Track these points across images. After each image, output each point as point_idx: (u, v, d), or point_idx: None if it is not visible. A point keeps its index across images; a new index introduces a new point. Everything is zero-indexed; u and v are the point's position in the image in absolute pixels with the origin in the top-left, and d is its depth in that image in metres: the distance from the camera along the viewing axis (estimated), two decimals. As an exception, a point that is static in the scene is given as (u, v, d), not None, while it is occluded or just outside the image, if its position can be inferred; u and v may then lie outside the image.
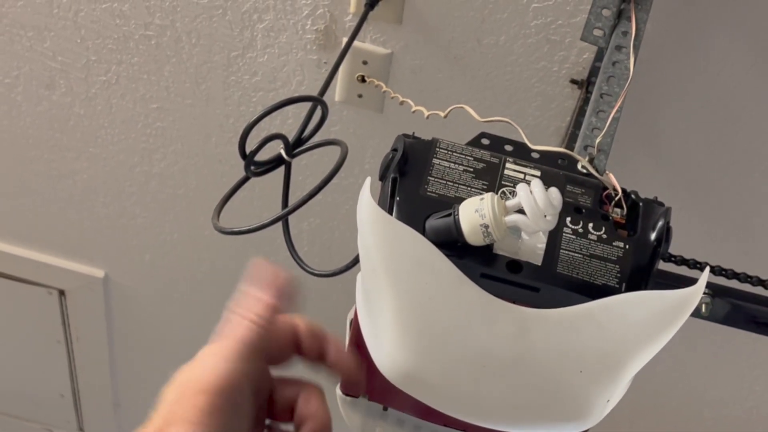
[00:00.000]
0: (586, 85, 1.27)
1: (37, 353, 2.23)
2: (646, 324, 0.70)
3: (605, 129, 0.87)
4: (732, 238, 1.45)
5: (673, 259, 0.88)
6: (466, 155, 0.82)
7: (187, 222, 1.74)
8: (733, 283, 0.92)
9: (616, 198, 0.80)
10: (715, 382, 1.78)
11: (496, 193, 0.76)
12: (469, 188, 0.79)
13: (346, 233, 1.66)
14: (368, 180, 0.72)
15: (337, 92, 1.40)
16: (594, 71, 1.23)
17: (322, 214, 1.63)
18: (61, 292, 2.00)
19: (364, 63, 1.34)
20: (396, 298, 0.72)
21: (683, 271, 0.87)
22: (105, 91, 1.55)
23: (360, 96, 1.39)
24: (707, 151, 1.34)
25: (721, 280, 0.92)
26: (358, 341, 0.83)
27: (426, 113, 0.95)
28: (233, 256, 1.79)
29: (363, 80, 1.36)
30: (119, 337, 2.11)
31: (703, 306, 0.90)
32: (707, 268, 0.74)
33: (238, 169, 1.00)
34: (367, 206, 0.72)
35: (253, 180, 1.03)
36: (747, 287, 0.91)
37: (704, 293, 0.89)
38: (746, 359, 1.70)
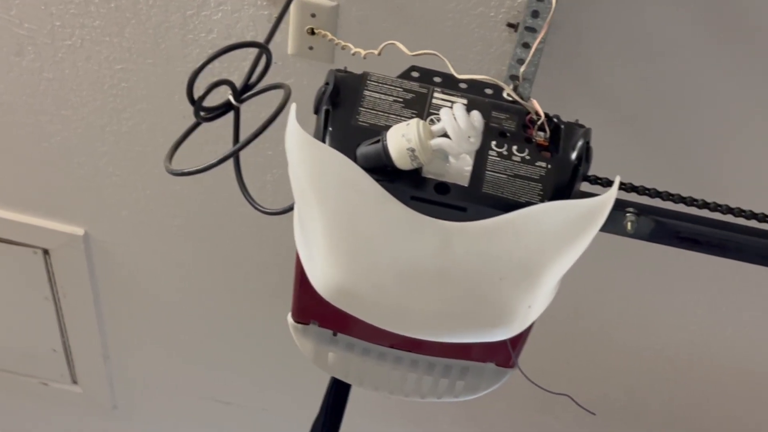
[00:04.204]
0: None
1: (27, 311, 2.21)
2: (561, 231, 0.69)
3: (528, 59, 0.86)
4: (671, 168, 1.45)
5: (599, 181, 0.88)
6: (396, 87, 0.81)
7: (158, 178, 1.72)
8: (657, 202, 0.91)
9: (539, 122, 0.79)
10: (661, 310, 1.78)
11: (424, 120, 0.75)
12: (398, 117, 0.78)
13: (307, 182, 1.64)
14: (293, 106, 0.71)
15: (289, 46, 1.37)
16: (528, 14, 1.21)
17: (284, 165, 1.60)
18: (45, 251, 1.97)
19: (313, 16, 1.32)
20: (325, 217, 0.71)
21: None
22: (71, 55, 1.51)
23: (311, 48, 1.36)
24: (640, 86, 1.33)
25: (646, 200, 0.91)
26: (301, 270, 0.82)
27: (363, 53, 0.94)
28: (203, 208, 1.77)
29: (313, 33, 1.33)
30: (104, 291, 2.09)
31: (629, 224, 0.89)
32: (617, 177, 0.73)
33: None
34: (293, 132, 0.71)
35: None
36: (669, 205, 0.91)
37: (630, 212, 0.88)
38: (688, 287, 1.71)
